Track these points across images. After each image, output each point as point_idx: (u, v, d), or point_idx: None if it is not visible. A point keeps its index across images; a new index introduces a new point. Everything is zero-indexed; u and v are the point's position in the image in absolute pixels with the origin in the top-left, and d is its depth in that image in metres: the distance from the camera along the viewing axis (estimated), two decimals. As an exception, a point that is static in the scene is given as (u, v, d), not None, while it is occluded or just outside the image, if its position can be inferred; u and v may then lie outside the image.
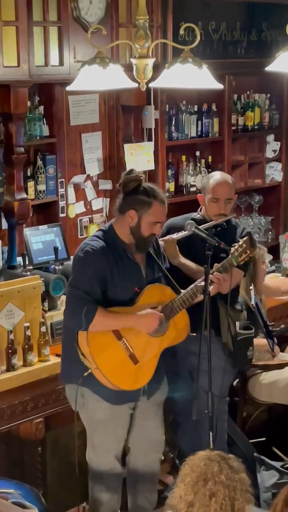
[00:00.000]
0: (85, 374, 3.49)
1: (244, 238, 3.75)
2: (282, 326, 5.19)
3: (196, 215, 4.12)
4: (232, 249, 3.72)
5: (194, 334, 3.80)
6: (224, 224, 4.05)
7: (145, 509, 3.84)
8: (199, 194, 4.15)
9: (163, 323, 3.58)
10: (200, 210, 4.13)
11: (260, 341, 4.63)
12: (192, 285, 3.67)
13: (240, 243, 3.73)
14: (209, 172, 5.82)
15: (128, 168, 5.16)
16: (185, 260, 3.95)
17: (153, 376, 3.61)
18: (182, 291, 3.67)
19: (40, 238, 4.76)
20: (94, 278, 3.45)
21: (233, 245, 3.72)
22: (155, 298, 3.60)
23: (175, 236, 3.95)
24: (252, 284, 4.61)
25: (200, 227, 3.84)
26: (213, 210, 4.03)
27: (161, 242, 3.92)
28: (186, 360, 4.06)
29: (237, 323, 4.02)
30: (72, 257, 4.89)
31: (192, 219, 4.04)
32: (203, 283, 3.63)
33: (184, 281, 3.77)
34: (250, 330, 4.07)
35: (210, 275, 3.62)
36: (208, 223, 3.96)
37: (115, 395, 3.53)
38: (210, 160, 5.96)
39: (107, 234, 3.58)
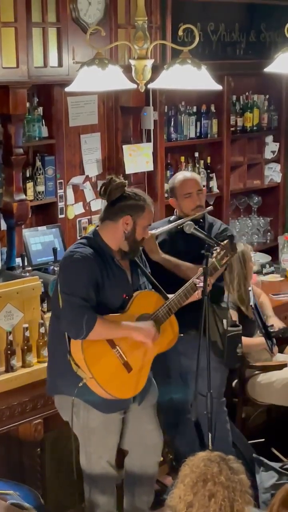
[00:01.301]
0: (80, 384, 3.46)
1: (225, 242, 3.82)
2: (281, 327, 5.18)
3: (173, 217, 4.19)
4: (215, 253, 3.78)
5: (182, 334, 3.80)
6: (201, 220, 4.10)
7: (142, 510, 3.85)
8: (171, 198, 4.20)
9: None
10: (176, 214, 4.19)
11: (255, 339, 4.64)
12: (182, 288, 3.69)
13: (221, 246, 3.79)
14: (208, 173, 5.87)
15: (127, 169, 5.22)
16: (164, 255, 3.99)
17: None
18: (170, 295, 3.68)
19: (39, 239, 4.77)
20: (88, 284, 3.41)
21: (215, 249, 3.78)
22: (145, 304, 3.60)
23: (154, 231, 4.00)
24: (246, 283, 4.63)
25: (179, 221, 3.97)
26: (189, 205, 4.10)
27: None
28: (176, 362, 4.07)
29: (224, 321, 4.03)
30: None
31: (169, 221, 4.15)
32: (194, 284, 3.67)
33: (165, 280, 3.78)
34: (238, 327, 4.08)
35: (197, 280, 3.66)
36: (186, 217, 4.02)
37: (106, 403, 3.51)
38: (209, 161, 5.96)
39: (92, 240, 3.54)
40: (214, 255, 3.76)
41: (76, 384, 3.46)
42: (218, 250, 3.77)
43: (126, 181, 3.61)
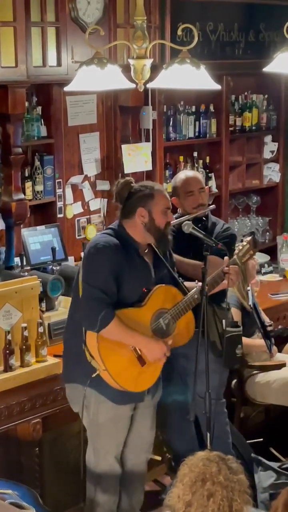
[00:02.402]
0: (93, 375, 3.46)
1: (248, 239, 3.83)
2: (280, 326, 5.19)
3: (176, 215, 4.17)
4: (236, 250, 3.79)
5: None
6: (204, 218, 4.11)
7: (133, 509, 3.85)
8: (173, 197, 4.20)
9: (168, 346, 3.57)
10: (179, 212, 4.19)
11: (257, 341, 4.64)
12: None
13: (244, 243, 3.80)
14: (207, 173, 5.87)
15: (125, 169, 5.22)
16: None
17: None
18: (189, 289, 3.66)
19: (37, 239, 4.76)
20: (109, 274, 3.41)
21: (237, 245, 3.81)
22: (163, 299, 3.58)
23: None
24: (245, 281, 4.63)
25: (181, 218, 3.96)
26: (191, 203, 4.10)
27: None
28: (176, 362, 4.07)
29: (224, 321, 4.03)
30: (70, 258, 4.91)
31: None
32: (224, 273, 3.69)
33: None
34: (238, 328, 4.08)
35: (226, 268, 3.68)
36: (188, 215, 4.03)
37: (120, 395, 3.51)
38: (207, 160, 5.96)
39: (117, 232, 3.53)
40: (236, 251, 3.78)
41: (89, 374, 3.47)
42: (240, 247, 3.78)
43: (132, 178, 3.61)
